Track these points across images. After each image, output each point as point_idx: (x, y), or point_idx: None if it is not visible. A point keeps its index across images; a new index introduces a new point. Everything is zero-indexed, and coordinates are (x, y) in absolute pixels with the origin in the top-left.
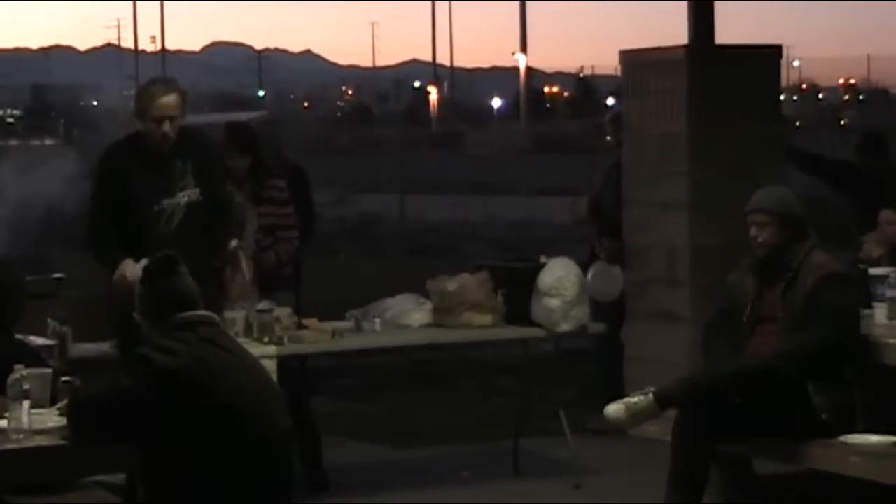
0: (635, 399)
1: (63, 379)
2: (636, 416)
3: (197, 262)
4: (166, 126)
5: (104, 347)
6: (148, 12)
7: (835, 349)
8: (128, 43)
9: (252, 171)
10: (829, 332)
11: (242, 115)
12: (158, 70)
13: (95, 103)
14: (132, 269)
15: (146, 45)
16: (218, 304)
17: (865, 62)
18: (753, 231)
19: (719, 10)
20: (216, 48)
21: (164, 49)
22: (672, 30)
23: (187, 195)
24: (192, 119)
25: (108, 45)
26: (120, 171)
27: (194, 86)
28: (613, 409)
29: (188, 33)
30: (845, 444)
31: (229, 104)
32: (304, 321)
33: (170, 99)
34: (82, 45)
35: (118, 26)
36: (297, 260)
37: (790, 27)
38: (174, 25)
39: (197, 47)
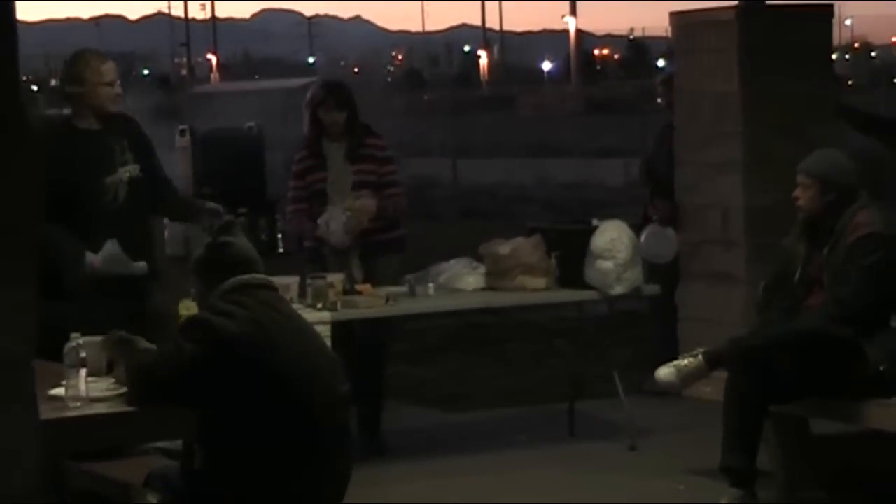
0: (685, 361)
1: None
2: (687, 378)
3: (146, 239)
4: (118, 87)
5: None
6: None
7: (871, 306)
8: (178, 11)
9: (349, 127)
10: (863, 289)
11: (294, 82)
12: (209, 37)
13: (146, 72)
14: (97, 259)
15: (196, 12)
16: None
17: None
18: (797, 192)
19: None
20: (266, 15)
21: (214, 17)
22: None
23: (128, 171)
24: (244, 86)
25: (159, 13)
26: (59, 153)
27: (245, 53)
28: (665, 371)
29: (238, 0)
30: None
31: (280, 71)
32: (358, 286)
33: (111, 65)
34: (133, 15)
35: None
36: None
37: None
38: None
39: (247, 14)
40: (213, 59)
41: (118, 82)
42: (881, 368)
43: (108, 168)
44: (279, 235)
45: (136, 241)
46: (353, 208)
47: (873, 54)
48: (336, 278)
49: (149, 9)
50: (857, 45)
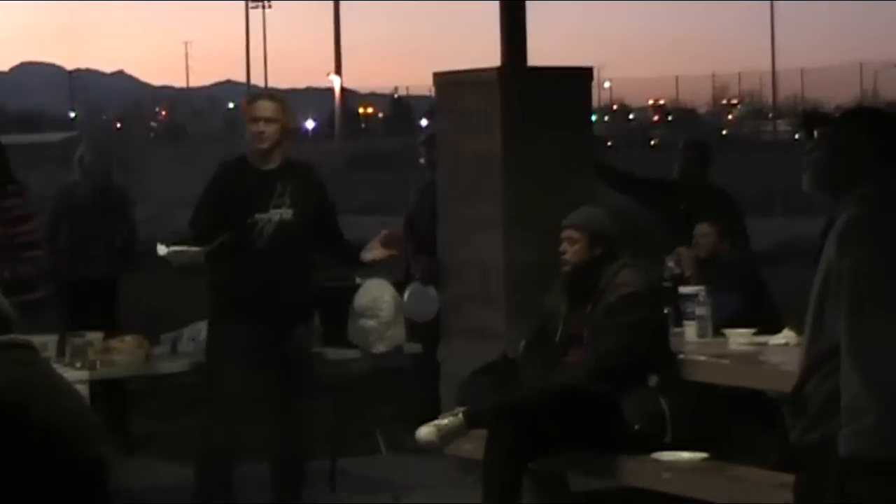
0: (446, 420)
1: None
2: (447, 436)
3: (288, 280)
4: (261, 126)
5: None
6: None
7: (631, 363)
8: None
9: None
10: (623, 346)
11: (53, 136)
12: None
13: None
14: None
15: None
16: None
17: (674, 83)
18: (563, 246)
19: (531, 32)
20: (25, 67)
21: None
22: (485, 52)
23: (280, 213)
24: (1, 139)
25: None
26: (226, 184)
27: (2, 106)
28: (425, 431)
29: None
30: (657, 460)
31: (39, 124)
32: (119, 341)
33: (264, 102)
34: None
35: None
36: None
37: (601, 49)
38: None
39: (5, 67)
40: None
41: (270, 121)
42: (637, 427)
43: (262, 205)
44: None
45: (278, 282)
46: None
47: (631, 116)
48: (95, 337)
49: None
50: (615, 106)
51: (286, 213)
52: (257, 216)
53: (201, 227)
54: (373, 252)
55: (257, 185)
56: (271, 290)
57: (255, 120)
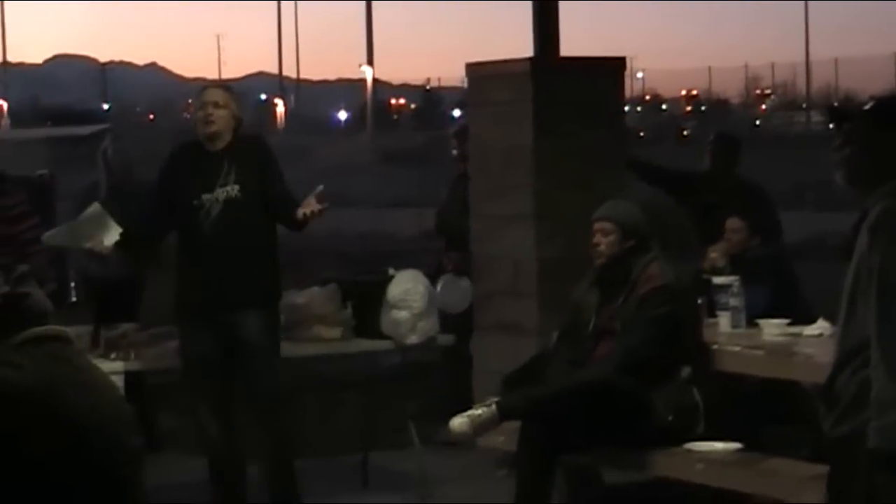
0: (479, 411)
1: None
2: (480, 428)
3: (243, 260)
4: (209, 109)
5: None
6: None
7: (661, 357)
8: None
9: None
10: (651, 339)
11: (84, 129)
12: None
13: None
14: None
15: None
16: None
17: (707, 74)
18: (596, 238)
19: (564, 23)
20: (59, 61)
21: (4, 61)
22: (517, 42)
23: (226, 191)
24: (35, 133)
25: None
26: (173, 168)
27: (37, 99)
28: (458, 422)
29: (29, 45)
30: (690, 452)
31: (72, 117)
32: (149, 334)
33: (214, 90)
34: None
35: None
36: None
37: (634, 39)
38: (14, 37)
39: (39, 60)
40: (3, 104)
41: (218, 106)
42: (670, 419)
43: (208, 187)
44: (72, 284)
45: (232, 263)
46: None
47: (664, 107)
48: (130, 328)
49: None
50: (648, 97)
51: (232, 189)
52: (204, 197)
53: (151, 212)
54: (305, 207)
55: (204, 166)
56: (226, 272)
57: (204, 105)
